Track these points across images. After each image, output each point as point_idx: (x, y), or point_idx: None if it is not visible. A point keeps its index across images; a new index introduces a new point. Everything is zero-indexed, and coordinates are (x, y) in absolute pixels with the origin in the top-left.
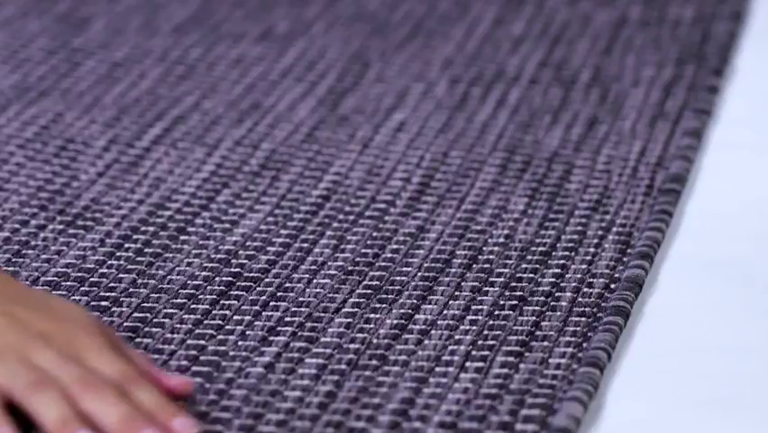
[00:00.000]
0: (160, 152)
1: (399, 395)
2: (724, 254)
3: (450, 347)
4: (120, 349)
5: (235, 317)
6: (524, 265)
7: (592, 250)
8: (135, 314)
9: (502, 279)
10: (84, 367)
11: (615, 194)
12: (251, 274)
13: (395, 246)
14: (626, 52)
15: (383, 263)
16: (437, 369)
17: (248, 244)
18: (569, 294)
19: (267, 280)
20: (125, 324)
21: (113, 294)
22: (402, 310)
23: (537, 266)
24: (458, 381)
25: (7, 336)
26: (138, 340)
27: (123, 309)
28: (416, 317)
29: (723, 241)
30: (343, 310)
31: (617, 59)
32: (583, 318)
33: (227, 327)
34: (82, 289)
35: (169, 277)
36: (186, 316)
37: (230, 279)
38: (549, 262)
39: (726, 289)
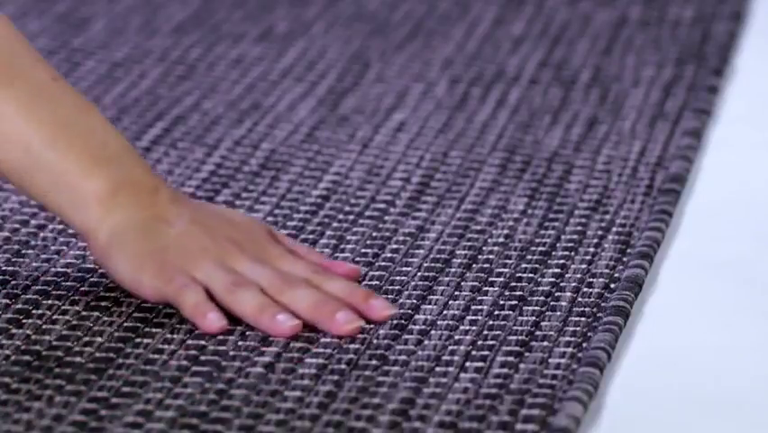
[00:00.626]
0: (160, 152)
1: (399, 395)
2: (724, 254)
3: (450, 347)
4: (296, 252)
5: (235, 317)
6: (523, 265)
7: (592, 250)
8: (135, 314)
9: (502, 279)
10: (275, 269)
11: (615, 194)
12: None
13: (395, 246)
14: (625, 52)
15: (383, 263)
16: (437, 369)
17: None
18: (569, 294)
19: None
20: (125, 324)
21: (113, 294)
22: (402, 310)
23: (537, 266)
24: (458, 381)
25: (203, 241)
26: (138, 340)
27: (123, 309)
28: (416, 317)
29: (723, 241)
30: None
31: (617, 60)
32: (583, 318)
33: (227, 327)
34: (82, 289)
35: None
36: None
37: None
38: (549, 261)
39: (726, 289)
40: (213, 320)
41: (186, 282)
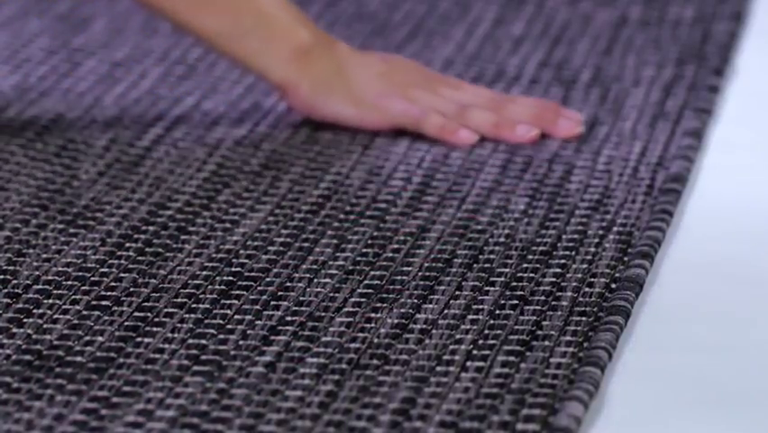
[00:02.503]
0: (161, 152)
1: (400, 394)
2: (724, 254)
3: (451, 347)
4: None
5: (236, 317)
6: (524, 265)
7: (593, 249)
8: (136, 313)
9: (503, 278)
10: (478, 93)
11: (615, 194)
12: (252, 274)
13: (395, 246)
14: (626, 52)
15: (384, 263)
16: (438, 368)
17: (248, 243)
18: (569, 294)
19: (268, 279)
20: (126, 323)
21: (113, 293)
22: (403, 310)
23: (538, 266)
24: (459, 380)
25: (406, 75)
26: (138, 339)
27: (124, 309)
28: (417, 316)
29: (723, 240)
30: (344, 310)
31: (618, 60)
32: (584, 318)
33: (228, 327)
34: (83, 288)
35: (169, 276)
36: (186, 315)
37: (231, 278)
38: (550, 261)
39: (727, 288)
40: (465, 135)
41: (421, 108)
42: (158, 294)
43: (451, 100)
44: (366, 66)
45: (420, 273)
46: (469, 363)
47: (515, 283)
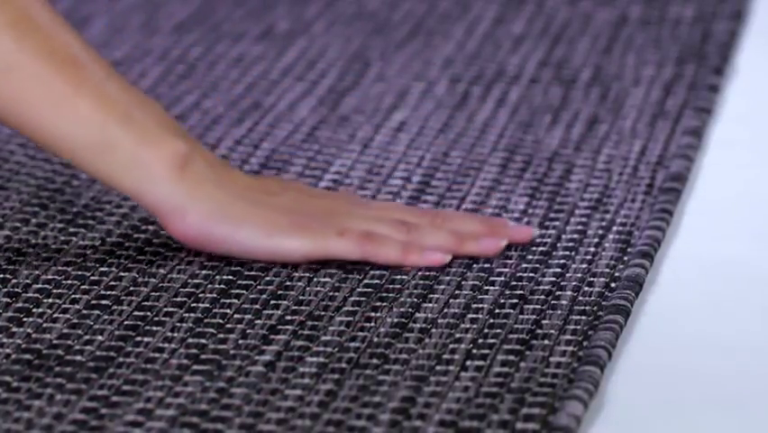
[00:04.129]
0: None
1: (400, 394)
2: (724, 253)
3: (450, 346)
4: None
5: (236, 316)
6: (524, 264)
7: (593, 249)
8: (136, 312)
9: (503, 278)
10: (396, 219)
11: (615, 193)
12: (252, 273)
13: None
14: (626, 51)
15: None
16: (438, 368)
17: None
18: (569, 293)
19: (267, 278)
20: (125, 322)
21: (113, 293)
22: (402, 309)
23: (538, 265)
24: (459, 379)
25: (318, 200)
26: (138, 339)
27: (124, 308)
28: (417, 315)
29: (723, 240)
30: (344, 309)
31: (618, 59)
32: (584, 317)
33: (228, 326)
34: (82, 287)
35: (169, 276)
36: (186, 314)
37: (230, 277)
38: (549, 261)
39: (727, 287)
40: (431, 255)
41: (363, 233)
42: (157, 293)
43: (395, 220)
44: (272, 192)
45: (420, 272)
46: (468, 363)
47: (514, 283)
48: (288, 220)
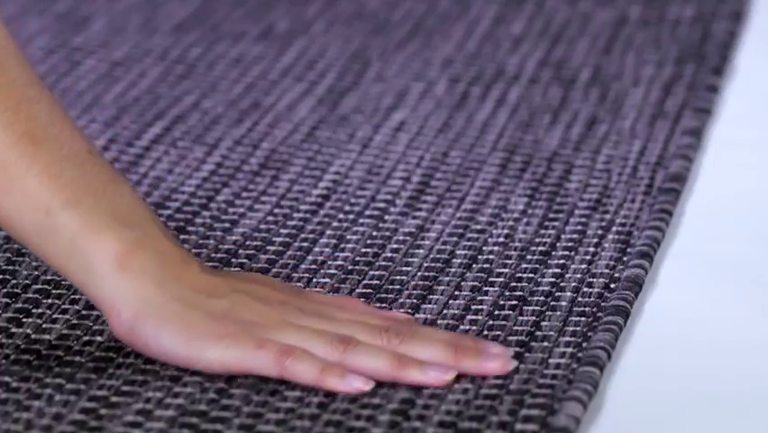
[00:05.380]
0: (160, 152)
1: (399, 395)
2: (724, 253)
3: None
4: (337, 302)
5: None
6: (524, 265)
7: (592, 249)
8: None
9: (502, 279)
10: (357, 321)
11: (615, 193)
12: (252, 272)
13: (395, 246)
14: (625, 51)
15: (383, 263)
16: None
17: (248, 243)
18: (569, 294)
19: None
20: None
21: None
22: (402, 310)
23: (537, 266)
24: (458, 380)
25: (257, 306)
26: None
27: None
28: (416, 316)
29: (723, 240)
30: None
31: (617, 59)
32: (583, 318)
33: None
34: None
35: None
36: None
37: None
38: (549, 261)
39: (726, 288)
40: (353, 381)
41: (284, 349)
42: None
43: (328, 333)
44: (215, 295)
45: (419, 273)
46: None
47: (514, 283)
48: (212, 328)
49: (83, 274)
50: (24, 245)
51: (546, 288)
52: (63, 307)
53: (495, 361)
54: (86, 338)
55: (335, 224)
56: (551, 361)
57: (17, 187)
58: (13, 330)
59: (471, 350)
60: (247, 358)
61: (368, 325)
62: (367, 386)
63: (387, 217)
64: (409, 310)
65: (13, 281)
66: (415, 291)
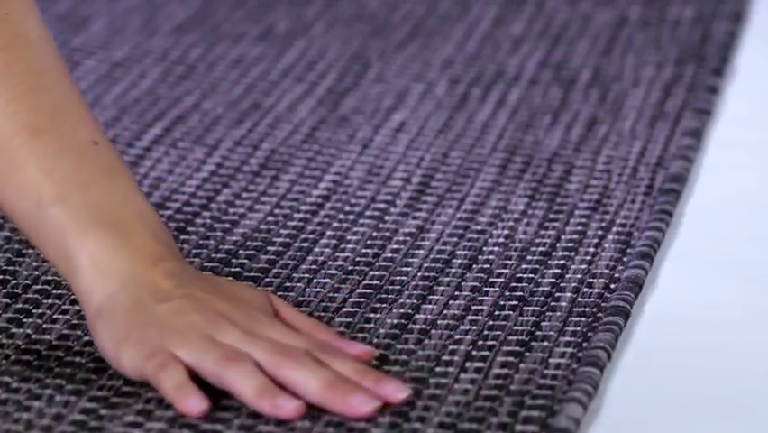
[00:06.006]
0: (161, 152)
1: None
2: (724, 254)
3: (450, 347)
4: (299, 328)
5: None
6: (524, 265)
7: (592, 250)
8: None
9: (502, 279)
10: (272, 340)
11: (615, 194)
12: (252, 274)
13: (395, 246)
14: (625, 52)
15: (383, 263)
16: (437, 369)
17: (248, 243)
18: (569, 294)
19: (267, 279)
20: None
21: None
22: (402, 310)
23: (537, 266)
24: (458, 381)
25: (191, 315)
26: None
27: None
28: (416, 316)
29: (723, 241)
30: (344, 310)
31: (617, 60)
32: (583, 318)
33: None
34: None
35: None
36: None
37: (230, 278)
38: (549, 262)
39: (726, 288)
40: (193, 404)
41: (165, 361)
42: None
43: (227, 347)
44: (165, 298)
45: (419, 274)
46: (468, 364)
47: (514, 284)
48: (136, 334)
49: (68, 269)
50: (21, 234)
51: (546, 288)
52: (63, 307)
53: (358, 400)
54: (87, 339)
55: (335, 224)
56: (551, 361)
57: (15, 177)
58: (14, 330)
59: (345, 387)
60: (147, 373)
61: (275, 348)
62: (199, 407)
63: (387, 218)
64: (409, 311)
65: (14, 282)
66: (415, 292)
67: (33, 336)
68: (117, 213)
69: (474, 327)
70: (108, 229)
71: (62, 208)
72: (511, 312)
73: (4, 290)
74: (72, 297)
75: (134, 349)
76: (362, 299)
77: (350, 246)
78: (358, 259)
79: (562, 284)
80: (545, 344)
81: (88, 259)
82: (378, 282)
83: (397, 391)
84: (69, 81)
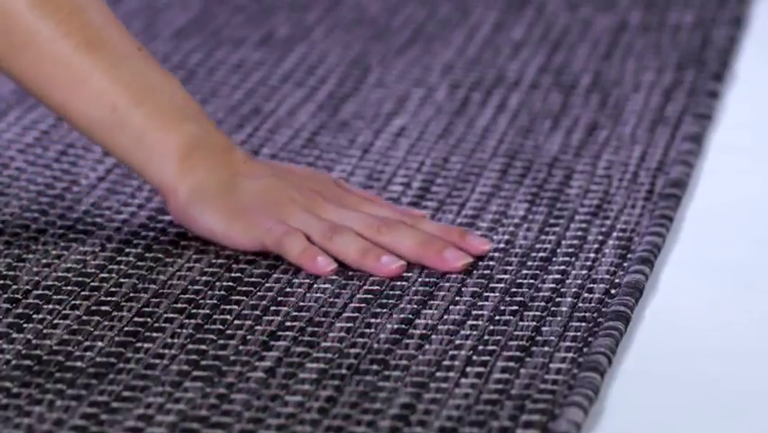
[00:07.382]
0: None
1: (400, 400)
2: (724, 259)
3: (450, 352)
4: (374, 200)
5: (236, 322)
6: (524, 271)
7: (593, 255)
8: (136, 318)
9: (503, 284)
10: (366, 213)
11: (615, 199)
12: (252, 279)
13: None
14: (626, 57)
15: None
16: (438, 374)
17: None
18: (569, 299)
19: (267, 284)
20: (126, 328)
21: (113, 299)
22: (403, 315)
23: (538, 271)
24: (458, 386)
25: (288, 191)
26: (138, 345)
27: (124, 314)
28: (417, 322)
29: (723, 246)
30: (344, 315)
31: (618, 65)
32: (584, 323)
33: (228, 332)
34: (83, 293)
35: (169, 282)
36: (186, 320)
37: (230, 284)
38: (549, 267)
39: (727, 293)
40: (323, 264)
41: (286, 230)
42: (158, 299)
43: (328, 220)
44: (253, 177)
45: (420, 279)
46: (468, 369)
47: (514, 289)
48: (244, 209)
49: (147, 164)
50: (89, 138)
51: (547, 293)
52: (64, 312)
53: (452, 255)
54: (87, 343)
55: None
56: (551, 366)
57: (83, 88)
58: (14, 335)
59: (437, 245)
60: (268, 243)
61: (369, 218)
62: (329, 266)
63: None
64: (410, 316)
65: (14, 287)
66: (415, 297)
67: (34, 341)
68: (186, 111)
69: (475, 332)
70: (186, 126)
71: (139, 112)
72: (512, 317)
73: (5, 295)
74: (73, 302)
75: (248, 222)
76: (363, 305)
77: None
78: None
79: (562, 289)
80: (546, 349)
81: (174, 152)
82: (378, 287)
83: (481, 244)
84: (105, 5)
